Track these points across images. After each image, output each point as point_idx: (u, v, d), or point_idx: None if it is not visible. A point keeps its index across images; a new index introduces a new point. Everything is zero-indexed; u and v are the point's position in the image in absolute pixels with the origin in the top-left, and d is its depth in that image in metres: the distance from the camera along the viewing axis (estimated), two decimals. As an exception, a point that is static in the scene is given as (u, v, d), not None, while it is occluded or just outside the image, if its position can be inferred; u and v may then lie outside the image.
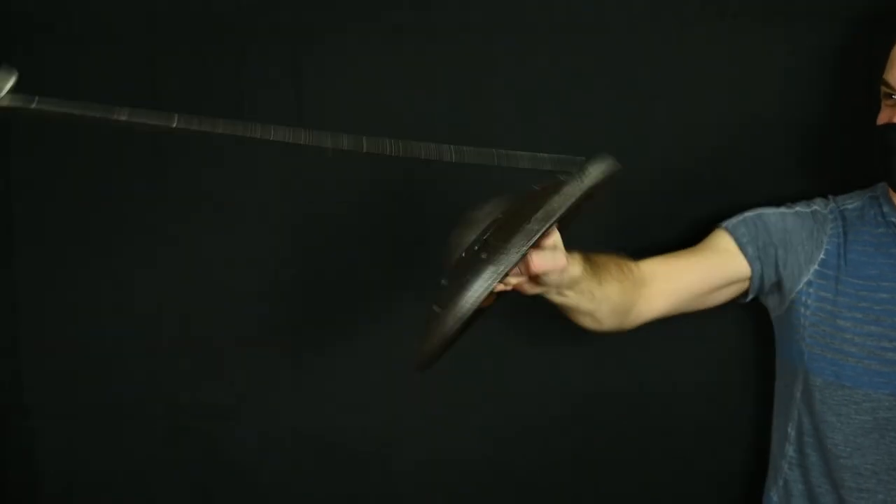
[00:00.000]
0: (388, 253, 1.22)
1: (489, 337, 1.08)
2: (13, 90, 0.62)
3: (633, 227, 1.18)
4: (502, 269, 0.76)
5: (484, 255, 0.77)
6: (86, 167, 1.18)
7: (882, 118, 1.00)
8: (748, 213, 1.08)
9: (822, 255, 1.04)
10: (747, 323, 1.22)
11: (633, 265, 1.01)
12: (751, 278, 1.05)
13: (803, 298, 1.05)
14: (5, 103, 0.62)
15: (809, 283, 1.04)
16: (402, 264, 1.21)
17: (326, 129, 1.14)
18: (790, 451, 1.11)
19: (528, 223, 0.76)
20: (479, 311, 0.80)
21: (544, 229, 0.76)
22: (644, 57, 1.14)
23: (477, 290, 0.76)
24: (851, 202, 1.07)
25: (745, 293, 1.08)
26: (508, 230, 0.77)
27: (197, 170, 1.19)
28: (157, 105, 1.13)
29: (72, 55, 1.14)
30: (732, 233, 1.06)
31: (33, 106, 0.63)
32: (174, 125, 0.68)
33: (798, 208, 1.07)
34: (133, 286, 1.21)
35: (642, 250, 1.07)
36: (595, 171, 0.79)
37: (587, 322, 0.96)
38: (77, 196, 1.20)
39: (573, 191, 0.77)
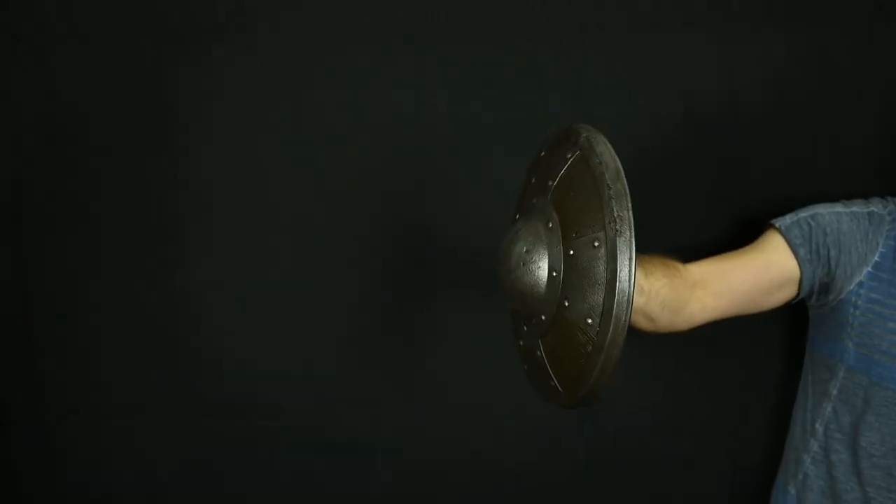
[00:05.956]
0: (397, 252, 1.23)
1: (500, 336, 1.06)
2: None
3: (683, 226, 1.18)
4: (629, 234, 0.72)
5: (596, 244, 0.73)
6: (96, 167, 1.20)
7: None
8: (802, 213, 1.05)
9: (876, 258, 1.02)
10: (764, 319, 1.19)
11: (681, 266, 1.00)
12: (800, 280, 1.03)
13: (853, 299, 1.03)
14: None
15: (861, 284, 1.02)
16: (413, 264, 1.23)
17: (327, 129, 1.14)
18: (815, 446, 1.11)
19: (606, 190, 0.72)
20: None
21: (626, 186, 0.73)
22: (695, 53, 1.14)
23: (626, 265, 0.71)
24: None
25: (797, 295, 1.07)
26: (591, 212, 0.73)
27: (209, 170, 1.21)
28: (161, 105, 1.14)
29: (76, 56, 1.16)
30: (786, 234, 1.04)
31: None
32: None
33: (855, 208, 1.05)
34: (143, 285, 1.23)
35: (696, 248, 1.06)
36: (593, 136, 0.77)
37: (641, 322, 0.95)
38: (88, 197, 1.21)
39: (601, 147, 0.75)
